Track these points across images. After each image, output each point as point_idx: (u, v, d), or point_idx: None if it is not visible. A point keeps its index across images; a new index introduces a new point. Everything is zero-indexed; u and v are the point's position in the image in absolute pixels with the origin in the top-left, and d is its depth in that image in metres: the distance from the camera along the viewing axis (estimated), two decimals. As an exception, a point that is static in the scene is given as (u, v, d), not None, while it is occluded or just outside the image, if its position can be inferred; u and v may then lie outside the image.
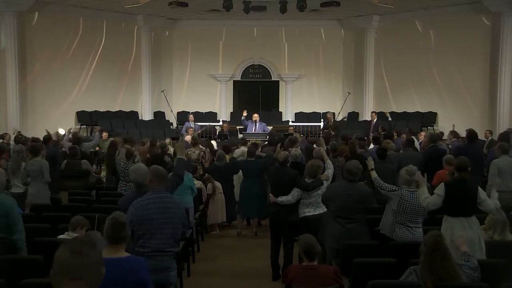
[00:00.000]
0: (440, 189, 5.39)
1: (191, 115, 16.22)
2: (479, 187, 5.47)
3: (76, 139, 10.58)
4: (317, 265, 4.48)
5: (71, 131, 12.32)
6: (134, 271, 3.44)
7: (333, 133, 12.80)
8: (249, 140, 12.33)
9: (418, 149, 11.13)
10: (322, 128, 15.70)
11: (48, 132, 11.60)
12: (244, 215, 9.30)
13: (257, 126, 14.75)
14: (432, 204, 5.43)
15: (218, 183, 9.29)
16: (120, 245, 3.53)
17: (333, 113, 16.23)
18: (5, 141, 11.74)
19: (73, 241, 2.11)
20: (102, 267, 2.10)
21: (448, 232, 5.11)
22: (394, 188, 5.93)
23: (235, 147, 11.14)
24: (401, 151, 10.21)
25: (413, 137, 11.01)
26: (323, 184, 6.60)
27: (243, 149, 10.17)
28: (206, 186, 9.18)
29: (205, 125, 16.06)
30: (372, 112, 16.70)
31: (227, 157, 10.13)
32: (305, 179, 6.74)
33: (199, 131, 14.98)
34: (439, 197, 5.36)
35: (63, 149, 10.67)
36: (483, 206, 5.38)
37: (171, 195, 4.89)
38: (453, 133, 12.48)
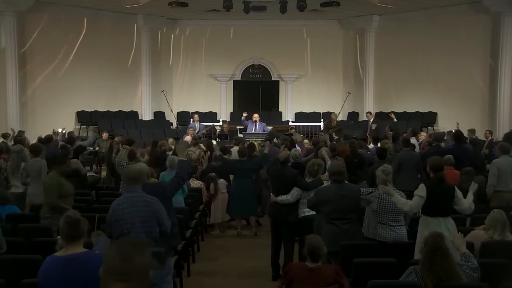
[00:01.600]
0: (421, 190, 5.39)
1: (196, 115, 16.23)
2: (455, 187, 5.51)
3: (69, 138, 10.56)
4: (320, 266, 4.43)
5: (64, 131, 12.26)
6: (93, 266, 3.41)
7: (336, 137, 12.74)
8: (249, 140, 12.33)
9: (418, 149, 11.14)
10: (324, 128, 15.70)
11: (54, 132, 11.57)
12: (238, 214, 9.28)
13: (257, 126, 14.76)
14: (415, 207, 5.42)
15: (223, 182, 9.29)
16: (77, 242, 3.52)
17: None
18: (5, 141, 11.73)
19: (124, 244, 2.15)
20: (150, 270, 2.14)
21: (425, 232, 5.08)
22: (371, 190, 5.94)
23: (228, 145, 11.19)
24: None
25: (409, 138, 11.00)
26: (323, 184, 6.60)
27: (236, 149, 10.25)
28: (209, 186, 9.17)
29: (209, 125, 16.08)
30: (367, 112, 16.70)
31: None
32: (306, 179, 6.74)
33: (203, 131, 14.97)
34: (421, 199, 5.35)
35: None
36: (458, 205, 5.42)
37: (145, 194, 4.80)
38: (449, 133, 12.51)
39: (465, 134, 11.55)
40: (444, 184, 5.48)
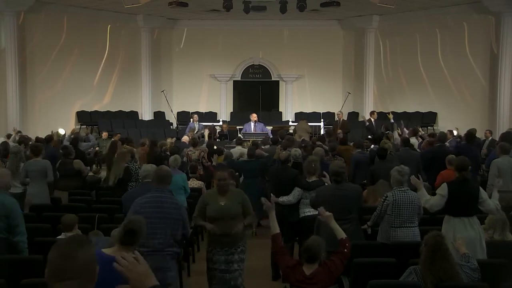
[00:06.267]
0: (443, 190, 5.36)
1: (195, 115, 16.21)
2: (480, 187, 5.48)
3: (73, 140, 10.58)
4: (317, 272, 4.29)
5: (73, 133, 12.31)
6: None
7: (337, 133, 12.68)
8: (249, 140, 12.32)
9: (418, 149, 11.15)
10: (333, 126, 15.67)
11: (52, 133, 11.60)
12: None
13: (256, 126, 14.78)
14: (436, 206, 5.40)
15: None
16: (130, 247, 3.56)
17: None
18: (7, 141, 11.72)
19: (62, 243, 2.04)
20: (95, 265, 2.04)
21: (450, 233, 5.10)
22: (383, 199, 5.75)
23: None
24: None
25: (409, 137, 11.00)
26: (325, 184, 6.59)
27: (239, 149, 10.19)
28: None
29: (208, 125, 16.06)
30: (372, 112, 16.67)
31: (220, 159, 10.11)
32: (306, 178, 6.74)
33: (202, 131, 14.98)
34: (442, 198, 5.33)
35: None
36: (484, 206, 5.38)
37: (173, 195, 4.86)
38: (450, 132, 12.52)
39: (462, 134, 11.61)
40: (468, 184, 5.43)
